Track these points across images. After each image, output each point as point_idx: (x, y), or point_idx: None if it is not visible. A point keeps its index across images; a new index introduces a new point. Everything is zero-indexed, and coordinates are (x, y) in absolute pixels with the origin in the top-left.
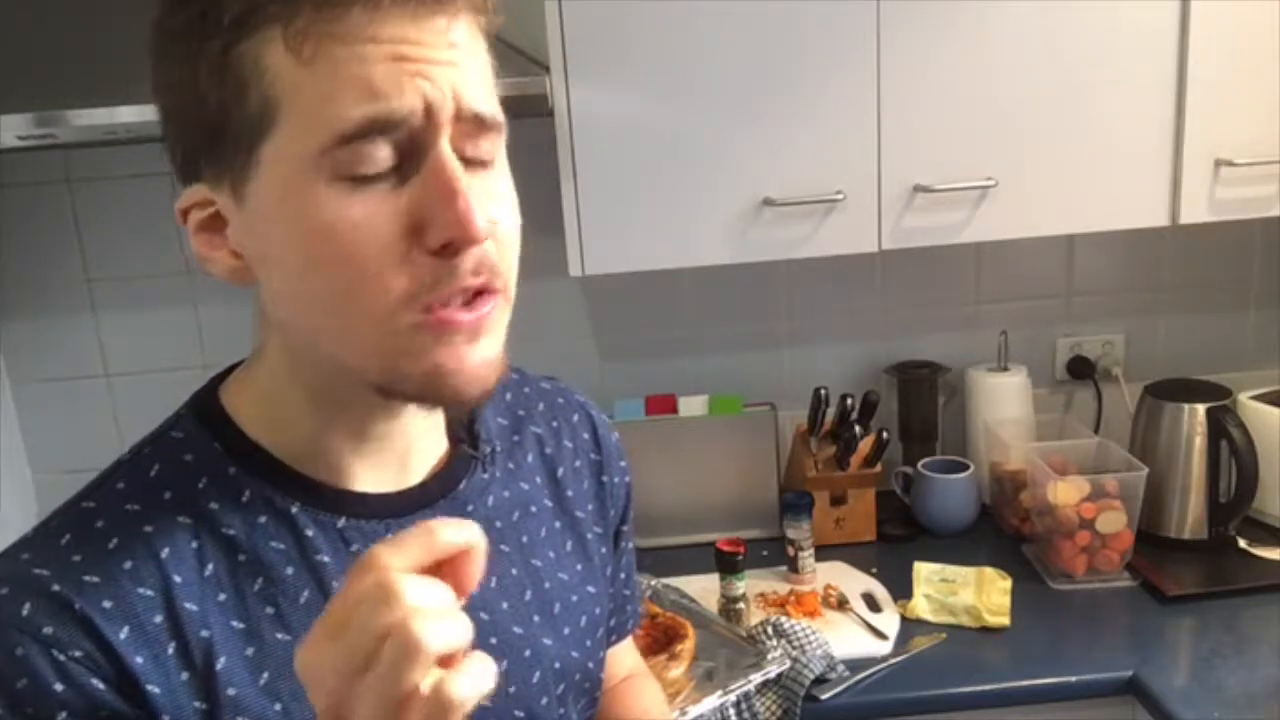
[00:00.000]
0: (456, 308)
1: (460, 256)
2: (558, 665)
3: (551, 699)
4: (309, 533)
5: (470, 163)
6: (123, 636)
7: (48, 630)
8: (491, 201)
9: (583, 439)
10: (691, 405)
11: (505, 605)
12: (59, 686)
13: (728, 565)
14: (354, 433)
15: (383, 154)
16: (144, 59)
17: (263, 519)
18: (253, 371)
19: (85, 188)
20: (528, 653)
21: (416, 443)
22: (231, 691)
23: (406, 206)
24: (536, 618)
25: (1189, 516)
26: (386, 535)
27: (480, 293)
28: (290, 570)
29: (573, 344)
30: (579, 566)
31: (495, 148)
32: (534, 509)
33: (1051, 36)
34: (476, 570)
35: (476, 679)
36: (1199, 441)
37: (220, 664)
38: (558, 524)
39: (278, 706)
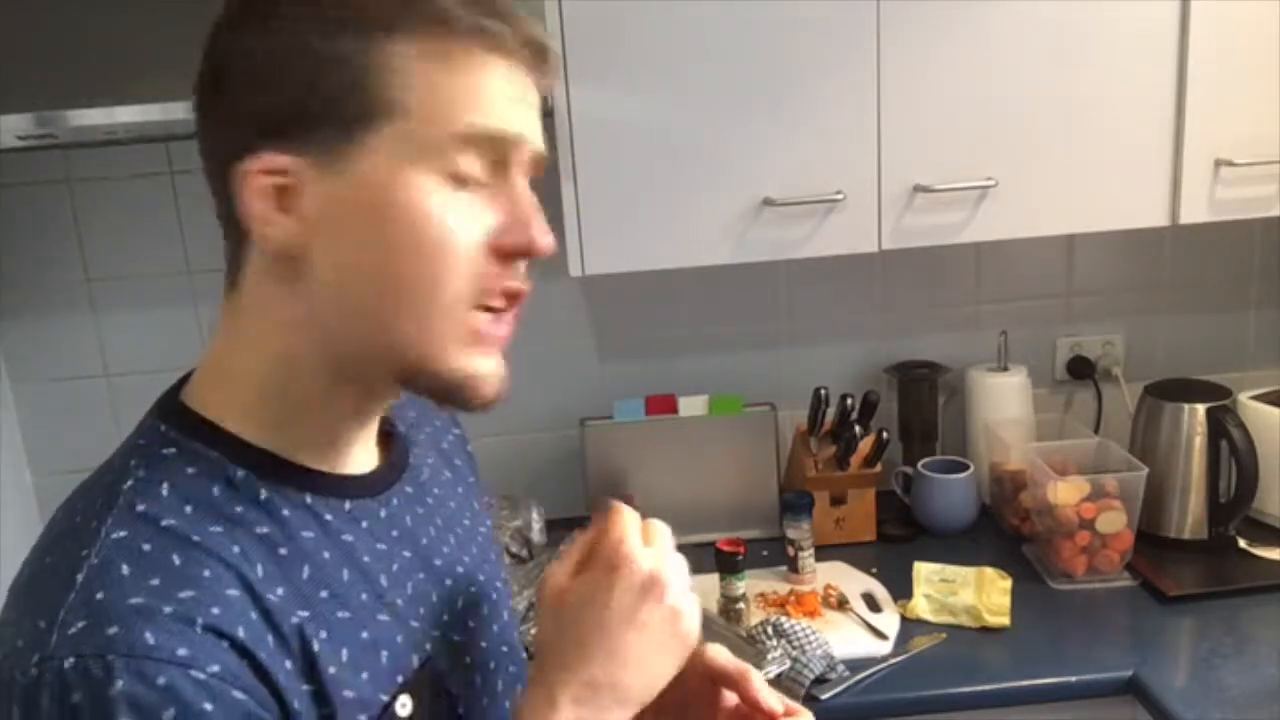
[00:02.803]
0: (494, 321)
1: (512, 269)
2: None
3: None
4: (328, 517)
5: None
6: (242, 636)
7: (183, 652)
8: None
9: (443, 419)
10: (691, 405)
11: (467, 559)
12: (209, 706)
13: (728, 565)
14: (351, 420)
15: (481, 165)
16: (144, 59)
17: (285, 512)
18: (226, 372)
19: (85, 188)
20: (494, 596)
21: (373, 427)
22: (331, 670)
23: (492, 218)
24: (487, 565)
25: (1189, 516)
26: (381, 511)
27: (514, 300)
28: (327, 554)
29: (573, 344)
30: (485, 524)
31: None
32: (444, 478)
33: (1051, 37)
34: None
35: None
36: (1199, 441)
37: (316, 647)
38: (460, 489)
39: (364, 676)
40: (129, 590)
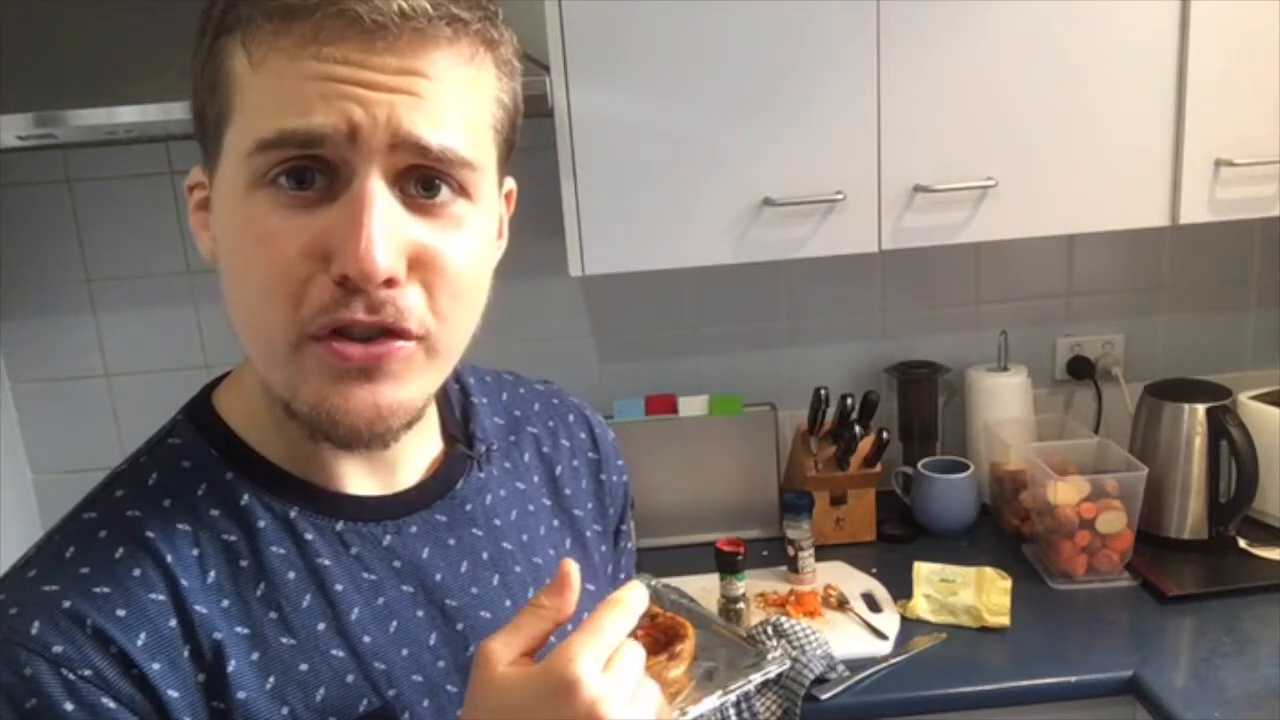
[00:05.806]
0: (351, 341)
1: (361, 292)
2: None
3: None
4: (308, 537)
5: (416, 202)
6: (140, 644)
7: (57, 649)
8: (435, 246)
9: (580, 438)
10: (691, 405)
11: (509, 603)
12: (69, 706)
13: (728, 565)
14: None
15: (301, 167)
16: (144, 59)
17: (262, 524)
18: (243, 376)
19: (85, 188)
20: None
21: (405, 446)
22: (241, 695)
23: (320, 229)
24: None
25: (1189, 516)
26: (385, 538)
27: (388, 335)
28: (292, 575)
29: (573, 344)
30: (579, 564)
31: (464, 189)
32: (532, 507)
33: (1051, 36)
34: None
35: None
36: (1199, 441)
37: (231, 667)
38: (556, 522)
39: (284, 710)
40: (54, 574)
